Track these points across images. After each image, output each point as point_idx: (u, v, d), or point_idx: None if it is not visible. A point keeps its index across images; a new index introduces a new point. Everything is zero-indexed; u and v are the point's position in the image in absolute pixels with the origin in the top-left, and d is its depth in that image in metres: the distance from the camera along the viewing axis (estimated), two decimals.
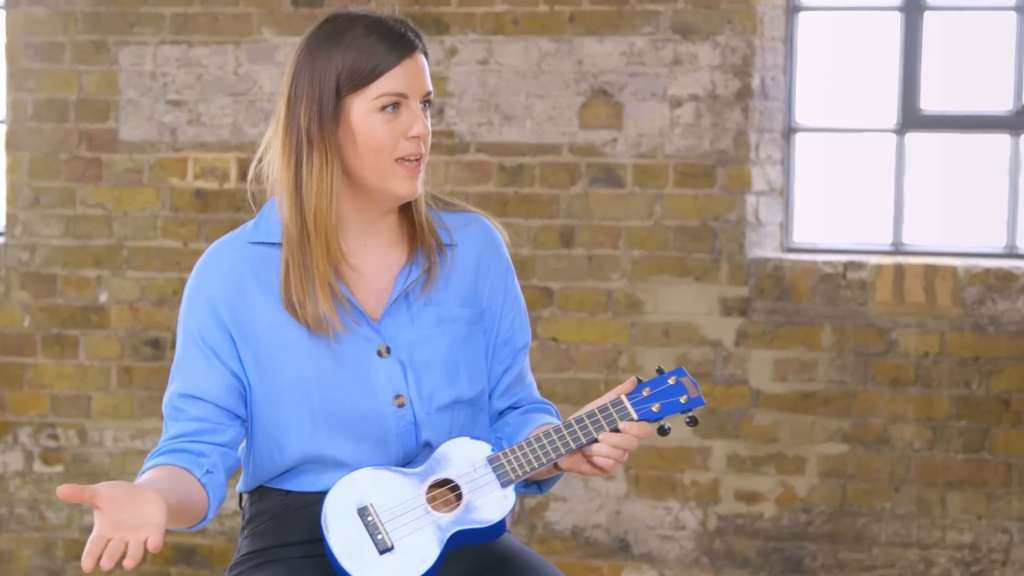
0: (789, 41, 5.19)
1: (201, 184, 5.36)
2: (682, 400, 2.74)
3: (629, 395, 2.73)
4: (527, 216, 5.18)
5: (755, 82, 5.08)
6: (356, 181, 2.73)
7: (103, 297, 5.41)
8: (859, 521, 5.07)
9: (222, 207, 5.34)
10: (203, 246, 5.34)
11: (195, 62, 5.34)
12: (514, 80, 5.17)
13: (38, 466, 5.47)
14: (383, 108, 2.69)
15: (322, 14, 5.22)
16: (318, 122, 2.69)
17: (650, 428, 2.73)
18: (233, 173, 5.34)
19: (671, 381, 2.75)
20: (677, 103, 5.11)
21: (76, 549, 5.45)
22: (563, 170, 5.17)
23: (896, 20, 5.17)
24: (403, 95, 2.70)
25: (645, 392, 2.74)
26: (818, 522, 5.10)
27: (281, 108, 2.75)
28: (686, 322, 5.12)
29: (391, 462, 2.76)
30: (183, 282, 5.34)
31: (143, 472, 2.69)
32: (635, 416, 2.72)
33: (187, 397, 2.72)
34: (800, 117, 5.24)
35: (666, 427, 2.74)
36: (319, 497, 2.75)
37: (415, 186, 2.73)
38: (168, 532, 5.60)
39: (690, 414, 2.75)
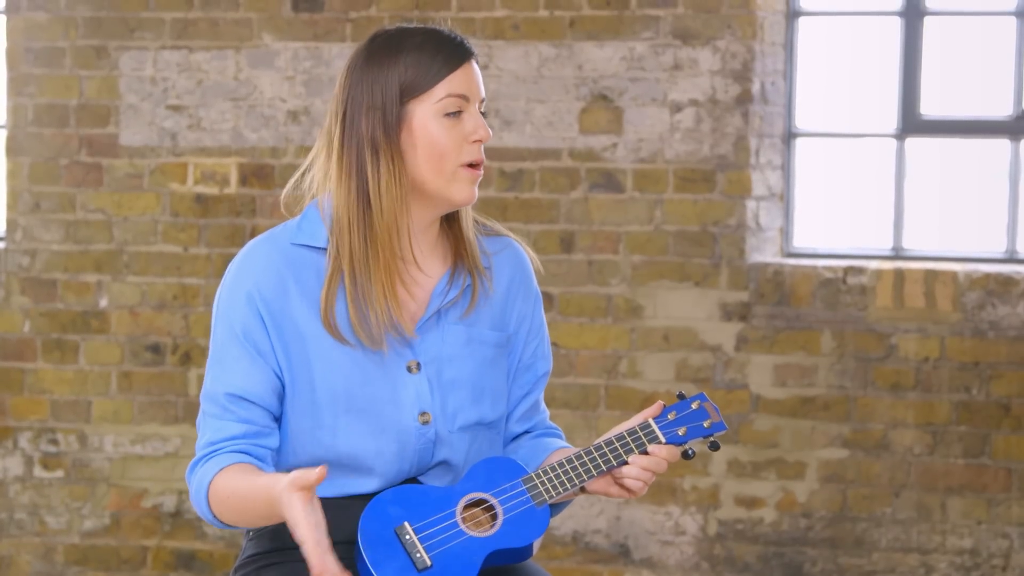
0: (789, 46, 5.19)
1: (201, 189, 5.36)
2: (706, 425, 2.79)
3: (656, 418, 2.77)
4: (527, 221, 5.18)
5: (755, 87, 5.08)
6: (416, 187, 2.74)
7: (103, 302, 5.41)
8: (859, 526, 5.07)
9: (222, 212, 5.34)
10: (203, 251, 5.34)
11: (195, 67, 5.34)
12: (514, 85, 5.18)
13: (38, 471, 5.47)
14: (447, 113, 2.72)
15: (322, 19, 5.24)
16: (383, 129, 2.70)
17: (677, 451, 2.77)
18: (233, 178, 5.34)
19: (694, 406, 2.80)
20: (677, 108, 5.11)
21: (76, 554, 5.45)
22: (563, 175, 5.17)
23: (896, 25, 5.17)
24: (465, 97, 2.74)
25: (671, 416, 2.78)
26: (818, 527, 5.09)
27: (333, 123, 2.74)
28: (686, 327, 5.12)
29: (403, 475, 2.77)
30: (184, 287, 5.35)
31: (218, 471, 2.66)
32: (663, 439, 2.76)
33: (233, 397, 2.70)
34: (800, 122, 5.24)
35: (690, 451, 2.78)
36: (327, 502, 2.75)
37: (474, 192, 2.76)
38: (168, 536, 5.61)
39: (712, 438, 2.80)
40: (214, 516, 2.70)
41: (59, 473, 5.46)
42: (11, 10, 5.43)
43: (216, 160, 5.35)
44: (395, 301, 2.72)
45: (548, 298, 5.18)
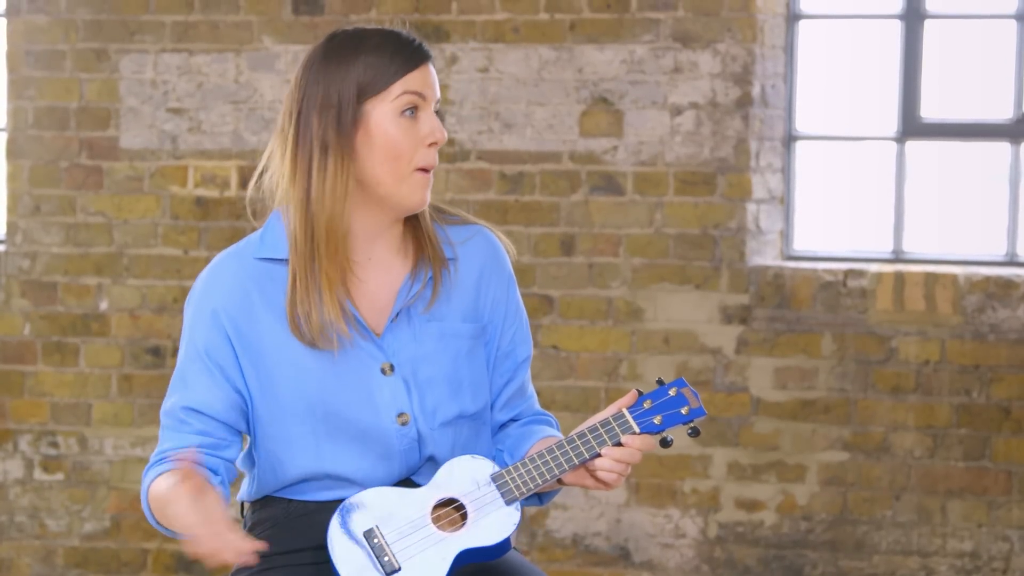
0: (789, 49, 5.19)
1: (202, 192, 5.36)
2: (683, 411, 2.74)
3: (630, 408, 2.73)
4: (527, 224, 5.18)
5: (755, 90, 5.09)
6: (369, 189, 2.73)
7: (103, 305, 5.41)
8: (859, 529, 5.07)
9: (223, 215, 5.34)
10: (204, 254, 5.34)
11: (196, 70, 5.34)
12: (514, 88, 5.18)
13: (38, 474, 5.47)
14: (403, 111, 2.70)
15: (323, 22, 5.24)
16: (336, 128, 2.69)
17: (652, 441, 2.73)
18: (234, 181, 5.34)
19: (672, 392, 2.75)
20: (677, 111, 5.11)
21: (76, 557, 5.45)
22: (563, 178, 5.17)
23: (896, 28, 5.18)
24: (422, 96, 2.72)
25: (646, 404, 2.73)
26: (818, 530, 5.09)
27: (285, 122, 2.74)
28: (686, 330, 5.12)
29: (394, 477, 2.77)
30: (184, 290, 5.34)
31: (154, 478, 2.69)
32: (637, 429, 2.72)
33: (190, 411, 2.73)
34: (800, 125, 5.24)
35: (668, 439, 2.74)
36: (321, 506, 2.76)
37: (426, 196, 2.75)
38: (169, 540, 5.60)
39: (692, 425, 2.75)
40: (157, 521, 2.73)
41: (59, 476, 5.46)
42: (11, 13, 5.43)
43: (216, 163, 5.35)
44: (334, 305, 2.71)
45: (549, 301, 5.18)
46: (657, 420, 2.73)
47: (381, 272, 2.79)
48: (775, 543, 5.12)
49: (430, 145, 2.73)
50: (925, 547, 5.04)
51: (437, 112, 2.77)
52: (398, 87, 2.70)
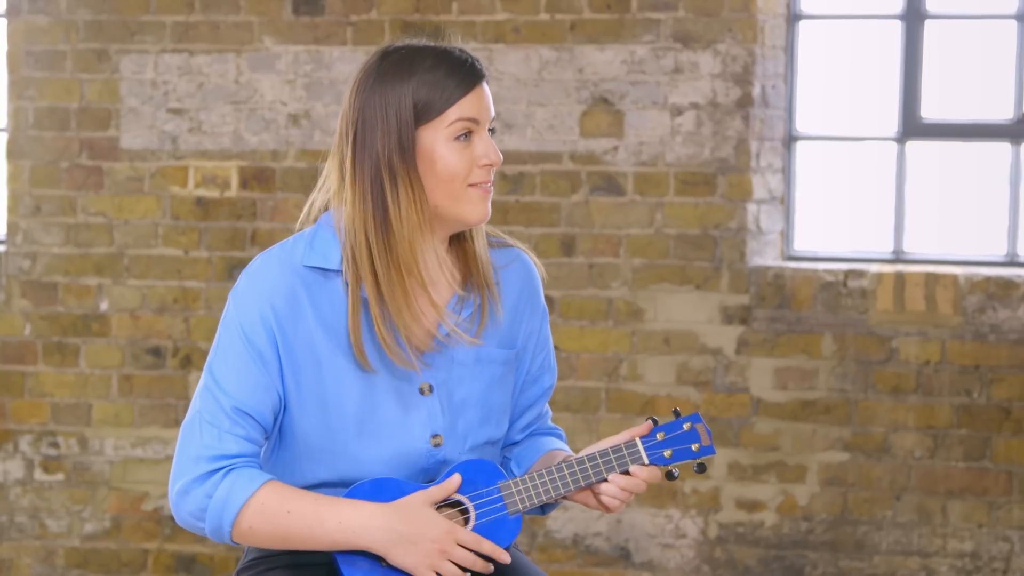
0: (790, 49, 5.19)
1: (202, 192, 5.36)
2: (694, 448, 2.77)
3: (643, 438, 2.75)
4: (528, 224, 5.19)
5: (756, 90, 5.09)
6: (429, 211, 2.71)
7: (104, 305, 5.41)
8: (860, 529, 5.07)
9: (223, 215, 5.34)
10: (204, 254, 5.34)
11: (196, 70, 5.34)
12: (515, 88, 5.18)
13: (39, 474, 5.47)
14: (457, 137, 2.68)
15: (323, 22, 5.24)
16: (399, 153, 2.67)
17: (659, 473, 2.76)
18: (234, 181, 5.34)
19: (685, 427, 2.77)
20: (678, 111, 5.11)
21: (76, 557, 5.45)
22: (564, 178, 5.17)
23: (897, 28, 5.18)
24: (476, 121, 2.70)
25: (659, 436, 2.76)
26: (819, 530, 5.09)
27: (343, 144, 2.70)
28: (687, 330, 5.12)
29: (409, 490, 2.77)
30: (184, 290, 5.35)
31: (263, 483, 2.65)
32: (647, 460, 2.74)
33: (242, 413, 2.67)
34: (801, 125, 5.24)
35: (674, 472, 2.77)
36: None
37: (486, 209, 2.73)
38: (169, 541, 5.60)
39: (699, 461, 2.78)
40: (231, 531, 2.66)
41: (59, 476, 5.46)
42: (12, 13, 5.43)
43: (217, 163, 5.35)
44: (419, 323, 2.70)
45: (549, 301, 5.18)
46: (667, 453, 2.75)
47: (427, 290, 2.75)
48: (775, 544, 5.12)
49: (483, 165, 2.71)
50: (925, 547, 5.04)
51: (492, 130, 2.75)
52: (452, 113, 2.68)
